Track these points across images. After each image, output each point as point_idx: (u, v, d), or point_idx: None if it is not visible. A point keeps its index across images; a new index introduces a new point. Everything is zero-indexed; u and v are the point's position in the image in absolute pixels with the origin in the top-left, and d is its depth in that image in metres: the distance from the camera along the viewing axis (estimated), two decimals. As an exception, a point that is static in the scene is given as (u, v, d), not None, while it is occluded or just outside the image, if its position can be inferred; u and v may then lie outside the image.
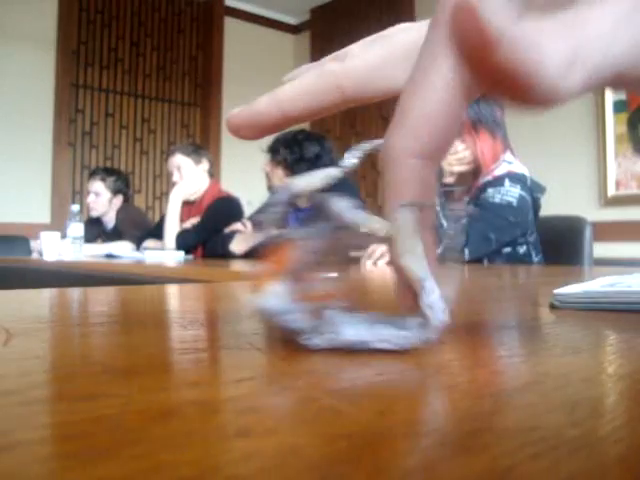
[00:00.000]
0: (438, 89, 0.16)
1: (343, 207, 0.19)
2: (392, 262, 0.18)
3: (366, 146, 0.20)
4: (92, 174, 2.65)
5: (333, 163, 1.89)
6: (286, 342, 0.21)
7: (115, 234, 2.53)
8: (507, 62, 0.14)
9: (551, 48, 0.14)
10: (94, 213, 2.60)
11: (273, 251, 0.19)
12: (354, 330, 0.18)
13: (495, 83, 0.15)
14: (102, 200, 2.58)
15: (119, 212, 2.60)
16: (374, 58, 0.21)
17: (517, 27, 0.14)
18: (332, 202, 0.19)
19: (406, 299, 0.18)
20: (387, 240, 0.18)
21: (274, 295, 0.19)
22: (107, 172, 2.65)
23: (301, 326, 0.19)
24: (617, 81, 0.16)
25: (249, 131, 0.21)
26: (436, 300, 0.18)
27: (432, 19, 0.16)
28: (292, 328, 0.19)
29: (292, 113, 0.21)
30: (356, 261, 1.26)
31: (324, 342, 0.19)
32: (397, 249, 0.18)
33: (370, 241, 0.19)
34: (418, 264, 0.18)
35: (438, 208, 1.31)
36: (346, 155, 0.20)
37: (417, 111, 0.16)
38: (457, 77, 0.16)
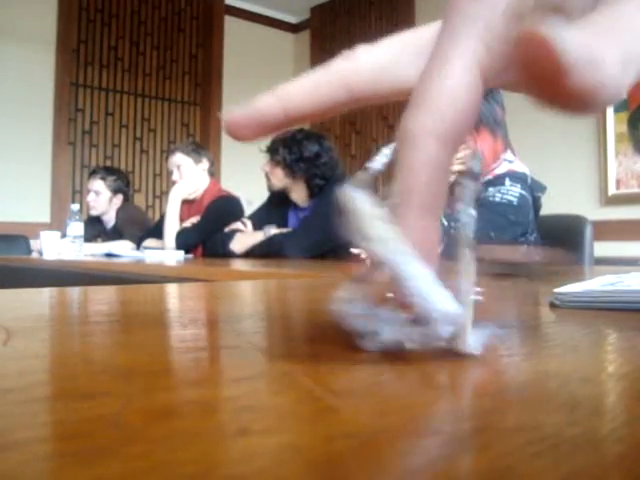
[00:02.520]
0: (461, 71, 0.16)
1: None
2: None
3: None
4: (92, 173, 2.64)
5: (333, 162, 1.89)
6: (286, 341, 0.21)
7: (115, 233, 2.52)
8: (579, 84, 0.14)
9: (608, 59, 0.14)
10: (94, 212, 2.60)
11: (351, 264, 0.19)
12: (391, 330, 0.18)
13: (554, 96, 0.14)
14: (102, 199, 2.57)
15: (119, 211, 2.60)
16: (384, 55, 0.20)
17: (583, 48, 0.14)
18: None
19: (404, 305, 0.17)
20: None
21: (350, 296, 0.18)
22: (107, 171, 2.64)
23: (359, 328, 0.18)
24: None
25: (248, 132, 0.20)
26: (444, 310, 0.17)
27: (450, 4, 0.16)
28: (353, 329, 0.18)
29: (296, 112, 0.19)
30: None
31: (376, 345, 0.18)
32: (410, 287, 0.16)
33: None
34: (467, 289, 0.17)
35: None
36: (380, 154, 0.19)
37: (439, 91, 0.16)
38: (479, 61, 0.16)
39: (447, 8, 0.16)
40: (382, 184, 0.18)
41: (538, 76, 0.14)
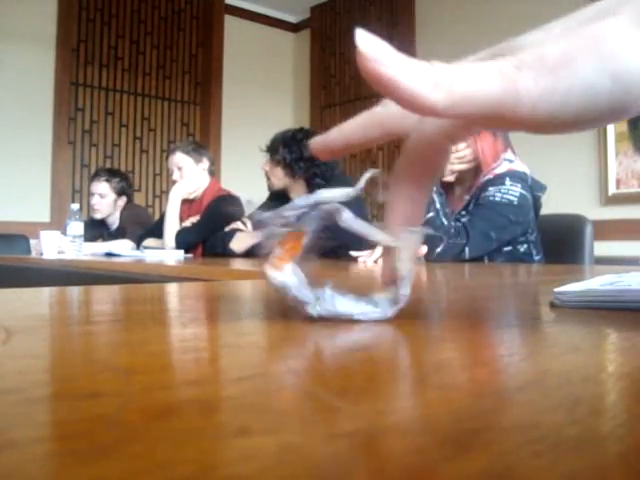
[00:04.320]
0: (428, 133, 0.25)
1: (352, 218, 0.25)
2: (388, 259, 0.26)
3: (376, 172, 0.26)
4: (95, 175, 2.61)
5: (333, 162, 1.89)
6: (286, 341, 0.21)
7: (118, 234, 2.51)
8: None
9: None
10: (98, 215, 2.56)
11: (287, 239, 0.25)
12: (344, 305, 0.25)
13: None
14: (107, 201, 2.55)
15: (123, 212, 2.59)
16: None
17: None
18: (344, 212, 0.25)
19: (387, 282, 0.27)
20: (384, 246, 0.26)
21: (288, 273, 0.24)
22: (111, 173, 2.62)
23: (307, 298, 0.24)
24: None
25: (325, 154, 0.28)
26: (406, 291, 0.26)
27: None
28: (300, 299, 0.24)
29: (351, 141, 0.27)
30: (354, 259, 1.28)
31: (323, 312, 0.25)
32: (397, 257, 0.26)
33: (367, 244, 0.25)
34: (406, 268, 0.26)
35: (438, 206, 1.31)
36: (362, 177, 0.25)
37: (409, 147, 0.26)
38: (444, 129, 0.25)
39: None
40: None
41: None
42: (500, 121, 0.20)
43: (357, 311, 0.25)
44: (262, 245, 0.26)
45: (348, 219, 0.25)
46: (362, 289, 0.27)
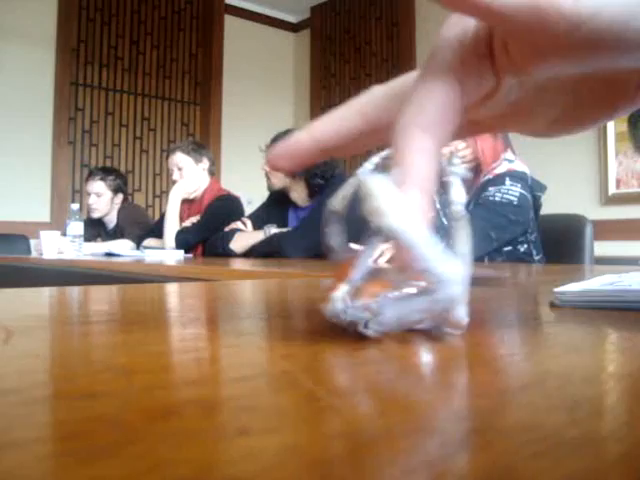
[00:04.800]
0: (436, 77, 0.20)
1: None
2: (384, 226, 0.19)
3: (383, 154, 0.22)
4: (90, 175, 2.60)
5: (333, 162, 1.89)
6: (286, 341, 0.21)
7: (117, 233, 2.52)
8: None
9: None
10: (96, 214, 2.56)
11: (338, 267, 0.22)
12: (396, 309, 0.20)
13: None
14: (104, 200, 2.56)
15: (120, 211, 2.59)
16: (394, 84, 0.23)
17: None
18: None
19: (403, 260, 0.19)
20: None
21: (338, 300, 0.20)
22: (105, 171, 2.62)
23: (358, 317, 0.20)
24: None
25: (286, 161, 0.23)
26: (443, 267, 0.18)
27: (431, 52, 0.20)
28: (351, 322, 0.20)
29: (324, 142, 0.22)
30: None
31: (380, 327, 0.20)
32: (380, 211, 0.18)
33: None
34: (422, 235, 0.18)
35: (438, 206, 1.31)
36: (365, 164, 0.22)
37: (420, 93, 0.20)
38: (453, 70, 0.19)
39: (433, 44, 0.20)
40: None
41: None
42: (537, 19, 0.17)
43: (414, 312, 0.20)
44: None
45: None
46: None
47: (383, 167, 0.21)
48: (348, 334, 0.21)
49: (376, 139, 0.23)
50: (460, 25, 0.20)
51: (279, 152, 0.23)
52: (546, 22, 0.17)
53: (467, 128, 0.23)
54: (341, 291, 0.21)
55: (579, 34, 0.17)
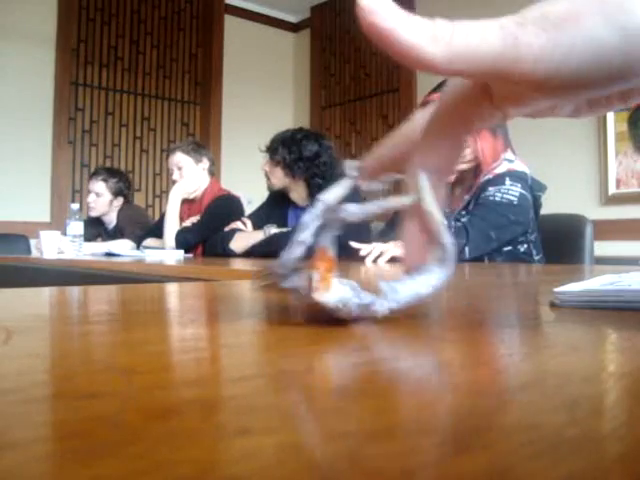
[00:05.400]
0: (445, 130, 0.24)
1: (356, 207, 0.24)
2: (417, 212, 0.25)
3: (353, 162, 0.26)
4: (94, 174, 2.62)
5: (332, 161, 1.89)
6: (286, 340, 0.21)
7: (117, 233, 2.52)
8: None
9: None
10: (93, 213, 2.58)
11: (317, 262, 0.24)
12: (406, 288, 0.24)
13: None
14: (103, 200, 2.56)
15: (120, 211, 2.60)
16: (430, 110, 0.26)
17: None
18: (346, 207, 0.24)
19: (425, 237, 0.25)
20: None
21: (338, 288, 0.23)
22: (110, 173, 2.62)
23: (369, 300, 0.23)
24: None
25: (361, 178, 0.27)
26: (449, 238, 0.24)
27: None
28: (364, 304, 0.23)
29: (384, 162, 0.27)
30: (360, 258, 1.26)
31: (392, 304, 0.24)
32: (425, 203, 0.24)
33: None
34: (439, 214, 0.24)
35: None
36: (348, 164, 0.25)
37: (429, 141, 0.25)
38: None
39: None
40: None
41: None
42: (501, 78, 0.19)
43: (421, 287, 0.24)
44: (290, 279, 0.24)
45: (353, 211, 0.24)
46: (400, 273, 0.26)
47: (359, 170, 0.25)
48: (348, 334, 0.21)
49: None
50: (457, 85, 0.23)
51: (369, 168, 0.28)
52: (514, 80, 0.19)
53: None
54: (337, 280, 0.23)
55: (549, 85, 0.19)
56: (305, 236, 0.24)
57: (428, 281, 0.24)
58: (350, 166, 0.25)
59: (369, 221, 1.77)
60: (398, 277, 0.25)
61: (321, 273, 0.23)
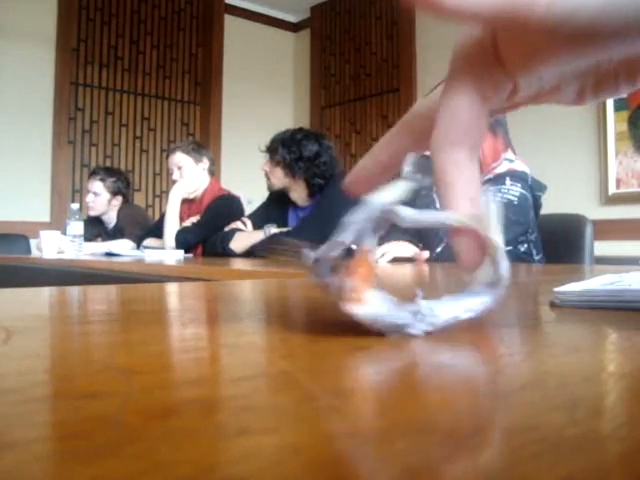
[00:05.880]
0: (458, 96, 0.22)
1: (414, 213, 0.22)
2: (467, 240, 0.22)
3: (415, 156, 0.23)
4: (92, 173, 2.63)
5: (332, 161, 1.89)
6: (286, 340, 0.21)
7: (116, 233, 2.52)
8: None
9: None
10: (92, 212, 2.59)
11: (354, 267, 0.22)
12: (446, 309, 0.22)
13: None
14: (101, 200, 2.57)
15: (120, 211, 2.60)
16: (434, 95, 0.25)
17: None
18: (402, 211, 0.22)
19: (474, 263, 0.22)
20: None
21: (372, 302, 0.21)
22: (107, 172, 2.63)
23: (403, 320, 0.21)
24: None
25: (362, 186, 0.26)
26: (505, 267, 0.22)
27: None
28: (396, 324, 0.21)
29: (382, 160, 0.25)
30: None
31: (427, 327, 0.22)
32: (487, 228, 0.21)
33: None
34: (500, 238, 0.22)
35: (438, 206, 1.31)
36: (408, 160, 0.23)
37: (444, 114, 0.22)
38: (474, 87, 0.21)
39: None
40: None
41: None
42: (513, 22, 0.18)
43: (462, 311, 0.22)
44: (322, 275, 0.22)
45: (409, 217, 0.22)
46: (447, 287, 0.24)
47: (420, 167, 0.22)
48: (348, 334, 0.21)
49: (424, 146, 0.25)
50: (468, 40, 0.22)
51: (351, 179, 0.26)
52: (525, 25, 0.18)
53: (506, 108, 0.24)
54: (372, 292, 0.21)
55: (561, 35, 0.18)
56: (346, 236, 0.22)
57: (471, 305, 0.22)
58: (409, 163, 0.22)
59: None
60: (438, 294, 0.23)
61: (356, 282, 0.21)
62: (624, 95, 0.23)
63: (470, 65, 0.21)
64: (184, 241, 2.08)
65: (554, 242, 1.51)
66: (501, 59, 0.21)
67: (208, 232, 2.05)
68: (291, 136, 1.88)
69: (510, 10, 0.18)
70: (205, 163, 2.28)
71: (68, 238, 1.91)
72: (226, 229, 1.96)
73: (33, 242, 2.42)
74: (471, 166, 0.22)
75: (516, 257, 1.41)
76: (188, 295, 0.43)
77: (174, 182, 2.26)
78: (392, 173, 0.25)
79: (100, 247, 2.20)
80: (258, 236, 1.84)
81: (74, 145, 3.37)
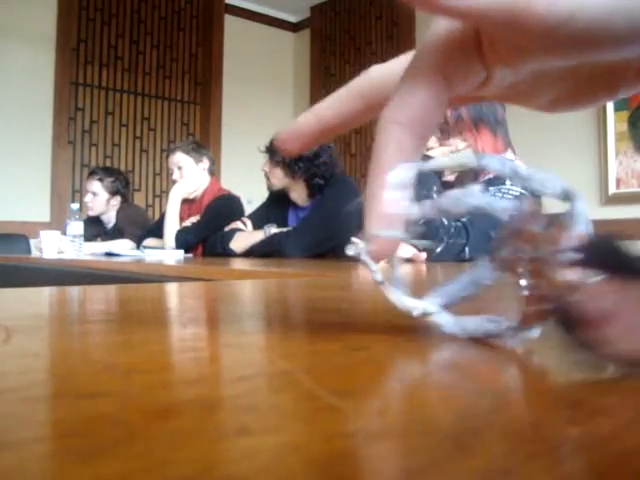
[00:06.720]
0: (420, 74, 0.20)
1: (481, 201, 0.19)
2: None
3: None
4: (91, 173, 2.64)
5: (332, 161, 1.89)
6: (286, 340, 0.21)
7: (116, 233, 2.52)
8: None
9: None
10: (91, 212, 2.60)
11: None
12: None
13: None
14: (99, 200, 2.57)
15: (119, 211, 2.60)
16: (392, 64, 0.24)
17: None
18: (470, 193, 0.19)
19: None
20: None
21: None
22: (106, 172, 2.64)
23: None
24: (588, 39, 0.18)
25: (294, 143, 0.24)
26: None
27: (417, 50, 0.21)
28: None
29: (326, 124, 0.24)
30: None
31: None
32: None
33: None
34: None
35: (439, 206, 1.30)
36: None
37: (403, 90, 0.20)
38: (438, 68, 0.20)
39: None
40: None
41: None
42: (508, 20, 0.17)
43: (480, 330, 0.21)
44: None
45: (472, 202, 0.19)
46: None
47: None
48: (348, 334, 0.21)
49: (374, 116, 0.23)
50: (448, 21, 0.20)
51: (286, 135, 0.24)
52: (522, 25, 0.17)
53: (470, 98, 0.23)
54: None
55: (558, 35, 0.17)
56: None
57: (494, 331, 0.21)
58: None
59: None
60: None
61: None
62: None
63: (444, 48, 0.20)
64: (184, 241, 2.08)
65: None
66: (482, 52, 0.20)
67: (208, 232, 2.05)
68: (291, 136, 1.88)
69: (508, 10, 0.17)
70: (205, 163, 2.28)
71: (68, 238, 1.91)
72: (226, 229, 1.96)
73: (33, 242, 2.42)
74: (412, 152, 0.20)
75: (516, 257, 1.41)
76: (188, 295, 0.43)
77: (174, 182, 2.26)
78: (333, 135, 0.24)
79: (100, 247, 2.21)
80: (258, 236, 1.84)
81: (74, 145, 3.38)
